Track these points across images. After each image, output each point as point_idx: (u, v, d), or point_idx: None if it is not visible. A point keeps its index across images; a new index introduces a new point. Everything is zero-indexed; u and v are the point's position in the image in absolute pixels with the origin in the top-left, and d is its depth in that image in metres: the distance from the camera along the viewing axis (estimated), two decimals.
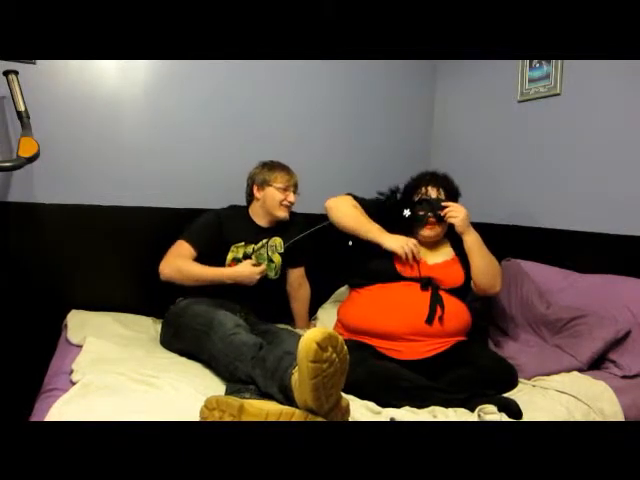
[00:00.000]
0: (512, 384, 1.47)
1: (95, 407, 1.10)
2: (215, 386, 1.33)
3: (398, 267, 1.63)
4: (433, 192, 1.71)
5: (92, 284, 1.90)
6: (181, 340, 1.57)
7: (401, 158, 2.51)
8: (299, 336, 1.12)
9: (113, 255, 1.93)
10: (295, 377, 1.07)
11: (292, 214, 1.89)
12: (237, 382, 1.28)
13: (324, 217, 1.79)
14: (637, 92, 1.80)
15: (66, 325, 1.72)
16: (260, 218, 1.87)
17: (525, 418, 1.26)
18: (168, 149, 2.02)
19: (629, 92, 1.83)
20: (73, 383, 1.23)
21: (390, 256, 1.65)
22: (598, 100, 1.93)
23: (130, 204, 1.96)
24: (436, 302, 1.56)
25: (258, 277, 1.73)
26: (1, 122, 1.73)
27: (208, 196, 2.01)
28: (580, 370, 1.54)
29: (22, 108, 1.63)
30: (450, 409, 1.29)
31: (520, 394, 1.42)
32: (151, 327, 1.83)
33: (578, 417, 1.31)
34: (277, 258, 1.85)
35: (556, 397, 1.38)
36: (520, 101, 2.22)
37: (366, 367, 1.37)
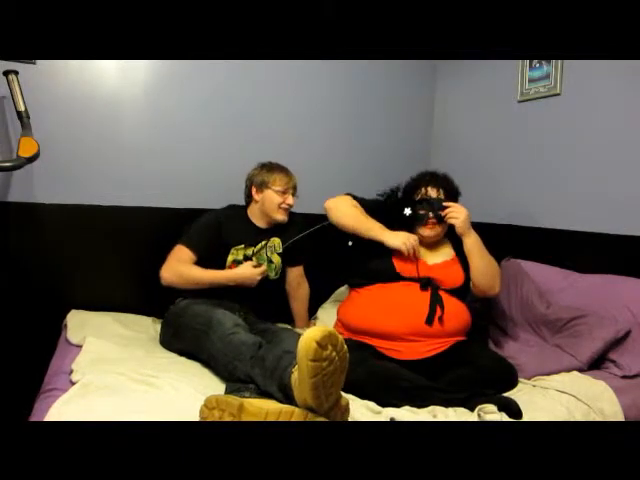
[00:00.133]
0: (512, 384, 1.47)
1: (95, 407, 1.10)
2: (215, 385, 1.33)
3: (398, 267, 1.63)
4: (433, 192, 1.71)
5: (92, 284, 1.90)
6: (181, 340, 1.57)
7: (401, 158, 2.51)
8: (298, 335, 1.12)
9: (113, 255, 1.93)
10: (295, 376, 1.08)
11: (291, 214, 1.89)
12: (236, 381, 1.28)
13: (324, 217, 1.79)
14: (637, 92, 1.80)
15: (66, 325, 1.72)
16: (259, 219, 1.86)
17: (525, 418, 1.26)
18: (168, 149, 2.02)
19: (629, 92, 1.83)
20: (73, 383, 1.24)
21: (389, 256, 1.65)
22: (598, 100, 1.93)
23: (130, 204, 1.96)
24: (436, 302, 1.56)
25: (259, 278, 1.73)
26: (1, 122, 1.73)
27: (208, 196, 2.01)
28: (580, 370, 1.54)
29: (22, 108, 1.63)
30: (450, 409, 1.29)
31: (520, 394, 1.42)
32: (151, 327, 1.83)
33: (578, 417, 1.31)
34: (276, 258, 1.85)
35: (556, 397, 1.38)
36: (520, 101, 2.22)
37: (366, 367, 1.37)
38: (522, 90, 2.20)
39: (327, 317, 2.03)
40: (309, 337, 0.98)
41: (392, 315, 1.55)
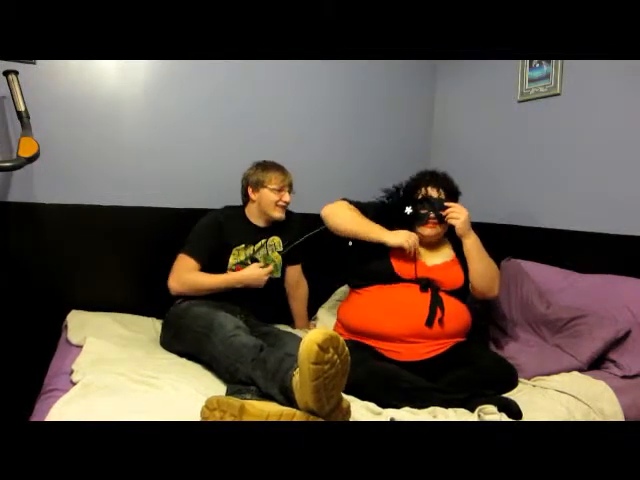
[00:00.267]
0: (512, 384, 1.47)
1: (95, 407, 1.10)
2: (215, 387, 1.33)
3: (396, 268, 1.63)
4: (433, 192, 1.71)
5: (92, 284, 1.90)
6: (181, 341, 1.57)
7: (401, 158, 2.51)
8: (300, 338, 1.12)
9: (113, 255, 1.93)
10: (296, 378, 1.07)
11: (289, 213, 1.89)
12: (237, 383, 1.28)
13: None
14: (637, 92, 1.80)
15: (66, 325, 1.72)
16: (257, 218, 1.87)
17: (525, 418, 1.26)
18: (168, 149, 2.02)
19: (629, 92, 1.83)
20: (73, 383, 1.24)
21: (388, 257, 1.64)
22: (598, 100, 1.93)
23: (130, 204, 1.96)
24: (436, 304, 1.56)
25: (266, 278, 1.74)
26: (1, 122, 1.73)
27: (208, 196, 2.01)
28: (580, 370, 1.54)
29: (22, 108, 1.63)
30: (450, 409, 1.29)
31: (520, 394, 1.42)
32: (151, 328, 1.82)
33: (578, 417, 1.31)
34: (277, 257, 1.86)
35: (556, 397, 1.38)
36: (520, 101, 2.22)
37: (366, 367, 1.37)
38: (522, 90, 2.20)
39: (327, 317, 2.03)
40: (311, 340, 0.98)
41: (392, 317, 1.55)
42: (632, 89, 1.82)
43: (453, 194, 1.75)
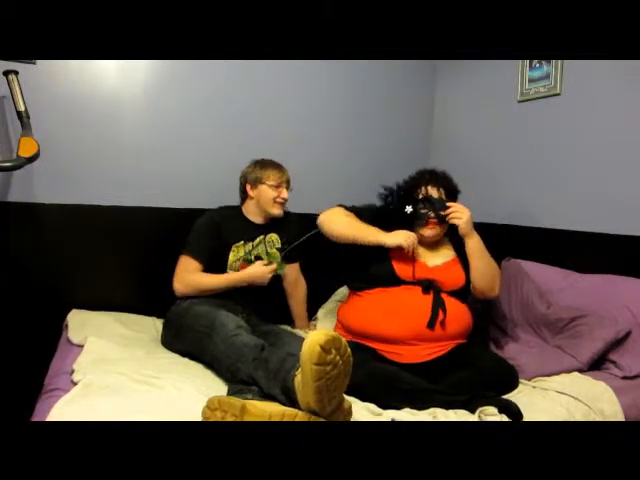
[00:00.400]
0: (512, 385, 1.47)
1: (97, 407, 1.10)
2: (217, 387, 1.33)
3: (397, 270, 1.62)
4: (433, 191, 1.70)
5: (92, 284, 1.90)
6: (183, 341, 1.57)
7: (401, 158, 2.51)
8: (302, 338, 1.12)
9: (113, 255, 1.93)
10: (298, 379, 1.07)
11: (286, 212, 1.91)
12: (239, 383, 1.28)
13: None
14: (637, 92, 1.80)
15: (67, 325, 1.72)
16: (255, 215, 1.88)
17: (525, 419, 1.26)
18: (168, 149, 2.02)
19: (629, 92, 1.83)
20: (74, 383, 1.23)
21: (389, 260, 1.63)
22: (598, 100, 1.93)
23: (130, 204, 1.96)
24: (438, 306, 1.55)
25: (270, 276, 1.75)
26: (1, 122, 1.73)
27: (208, 196, 2.01)
28: (580, 371, 1.54)
29: (22, 108, 1.63)
30: (450, 411, 1.28)
31: (520, 395, 1.42)
32: (152, 327, 1.82)
33: (578, 418, 1.31)
34: (275, 253, 1.87)
35: (556, 398, 1.38)
36: (520, 101, 2.22)
37: (366, 369, 1.37)
38: (522, 90, 2.20)
39: (327, 318, 2.03)
40: (313, 341, 0.98)
41: (394, 319, 1.55)
42: (632, 89, 1.82)
43: (453, 193, 1.74)
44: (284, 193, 1.86)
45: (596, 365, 1.58)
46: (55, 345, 1.63)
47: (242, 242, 1.82)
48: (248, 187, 1.87)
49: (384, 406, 1.28)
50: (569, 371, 1.53)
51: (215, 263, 1.76)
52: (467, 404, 1.31)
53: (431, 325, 1.53)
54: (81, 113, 1.86)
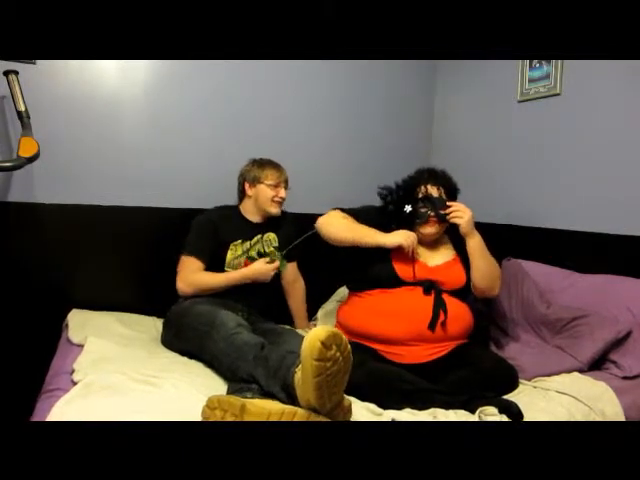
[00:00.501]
0: (513, 385, 1.47)
1: (97, 407, 1.10)
2: (217, 386, 1.33)
3: (399, 271, 1.61)
4: (433, 190, 1.69)
5: (92, 284, 1.90)
6: (183, 340, 1.57)
7: (401, 158, 2.51)
8: (302, 336, 1.12)
9: (113, 255, 1.93)
10: (298, 375, 1.08)
11: (283, 212, 1.92)
12: (239, 381, 1.28)
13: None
14: (637, 92, 1.80)
15: (67, 325, 1.72)
16: (252, 214, 1.89)
17: (526, 419, 1.26)
18: (168, 149, 2.02)
19: (629, 92, 1.83)
20: (74, 383, 1.23)
21: (389, 261, 1.63)
22: (598, 100, 1.93)
23: (130, 204, 1.96)
24: (439, 307, 1.55)
25: (272, 273, 1.76)
26: (1, 122, 1.73)
27: (208, 196, 2.01)
28: (581, 371, 1.53)
29: (22, 108, 1.63)
30: (451, 411, 1.28)
31: (521, 395, 1.41)
32: (152, 327, 1.82)
33: (579, 418, 1.31)
34: (272, 252, 1.87)
35: (557, 398, 1.37)
36: (520, 101, 2.22)
37: (366, 369, 1.37)
38: (522, 90, 2.20)
39: (327, 318, 2.03)
40: (314, 337, 0.98)
41: (395, 320, 1.54)
42: (632, 89, 1.82)
43: (452, 192, 1.74)
44: (282, 192, 1.87)
45: (596, 365, 1.58)
46: (55, 345, 1.63)
47: (240, 241, 1.83)
48: (246, 186, 1.88)
49: (384, 406, 1.28)
50: (569, 371, 1.53)
51: (213, 262, 1.77)
52: (467, 404, 1.31)
53: (432, 326, 1.52)
54: (81, 113, 1.86)
